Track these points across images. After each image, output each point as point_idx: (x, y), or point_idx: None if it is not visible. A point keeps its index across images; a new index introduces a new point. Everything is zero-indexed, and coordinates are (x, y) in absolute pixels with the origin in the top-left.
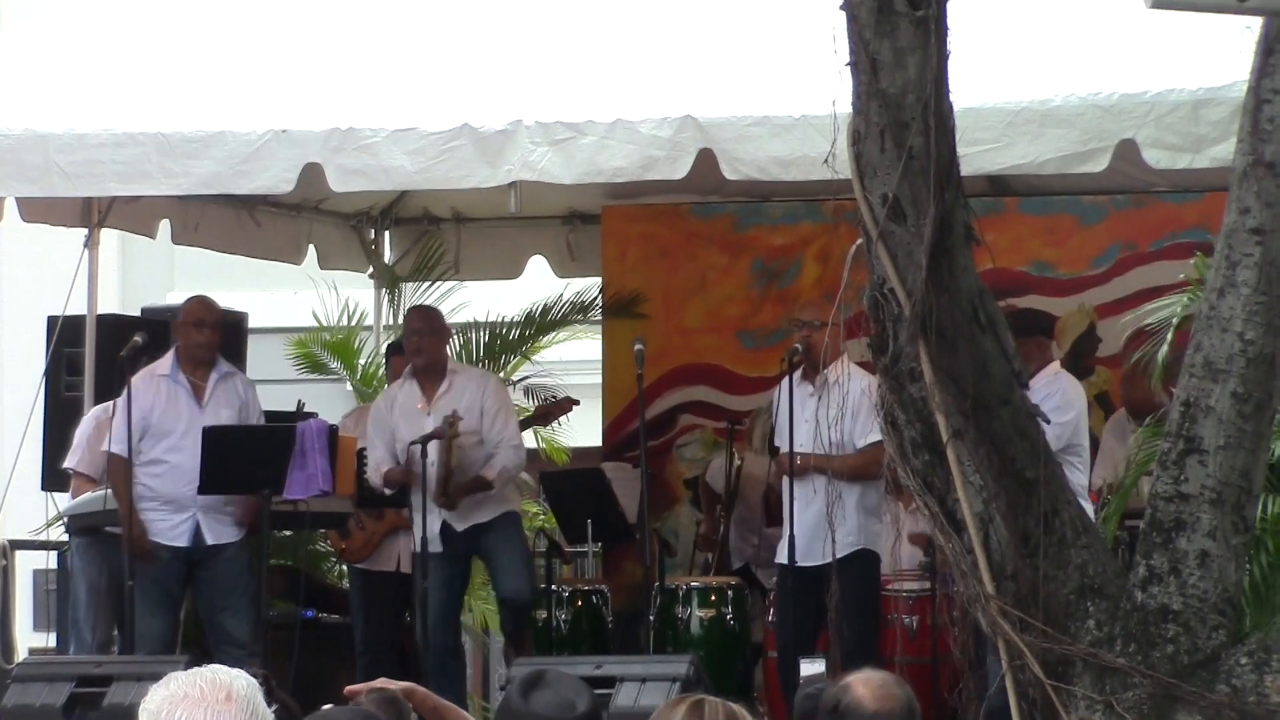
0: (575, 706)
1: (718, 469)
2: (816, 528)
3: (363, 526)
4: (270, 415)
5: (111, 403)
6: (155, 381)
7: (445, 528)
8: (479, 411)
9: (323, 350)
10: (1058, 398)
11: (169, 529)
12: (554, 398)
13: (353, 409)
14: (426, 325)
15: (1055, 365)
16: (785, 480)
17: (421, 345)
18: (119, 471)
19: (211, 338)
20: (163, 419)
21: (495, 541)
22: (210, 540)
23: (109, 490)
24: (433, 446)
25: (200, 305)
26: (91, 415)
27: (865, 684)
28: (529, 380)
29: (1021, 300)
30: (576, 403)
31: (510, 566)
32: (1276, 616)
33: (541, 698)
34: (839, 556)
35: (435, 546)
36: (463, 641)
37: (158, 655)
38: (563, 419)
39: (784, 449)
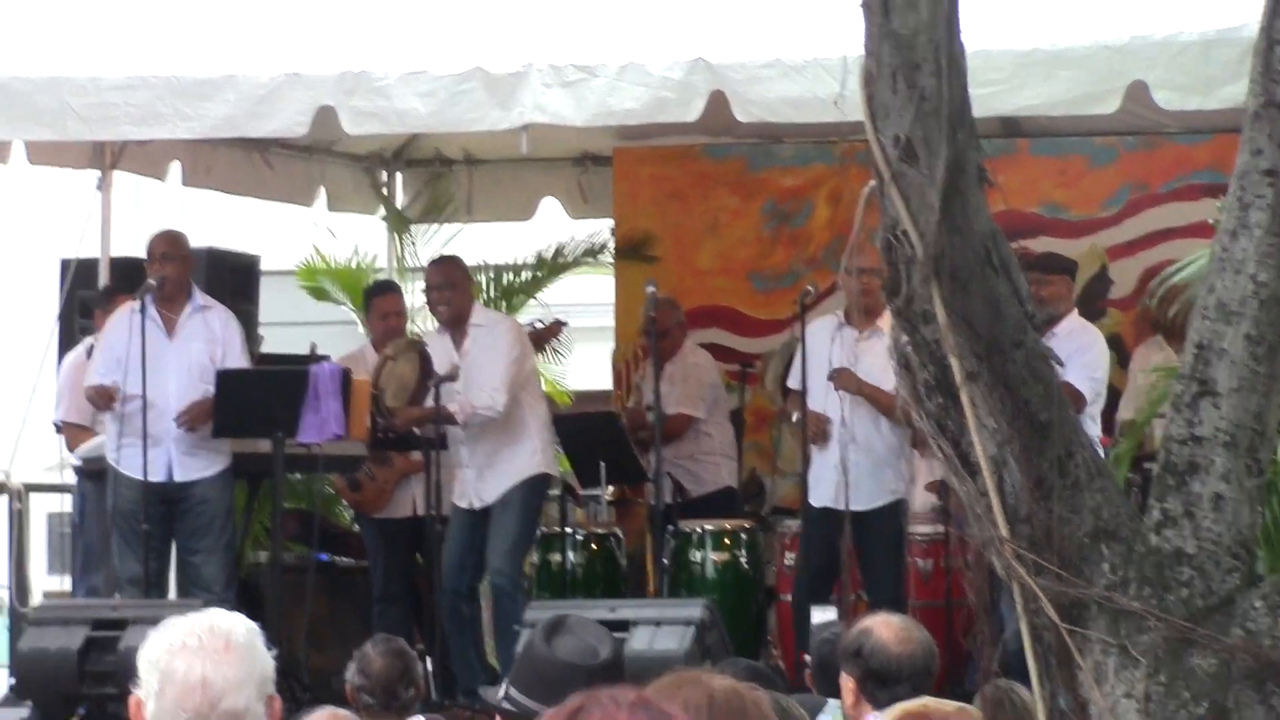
0: (598, 653)
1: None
2: (862, 473)
3: (373, 478)
4: (283, 358)
5: (83, 346)
6: (128, 316)
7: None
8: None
9: (332, 284)
10: (1094, 351)
11: (143, 465)
12: (540, 323)
13: (349, 352)
14: (444, 279)
15: (1075, 312)
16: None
17: (441, 300)
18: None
19: (174, 271)
20: (133, 353)
21: (494, 516)
22: (178, 477)
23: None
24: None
25: (160, 240)
26: (68, 363)
27: (886, 627)
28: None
29: (1033, 242)
30: (565, 324)
31: (494, 550)
32: None
33: (564, 643)
34: (887, 503)
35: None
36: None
37: (172, 600)
38: (555, 342)
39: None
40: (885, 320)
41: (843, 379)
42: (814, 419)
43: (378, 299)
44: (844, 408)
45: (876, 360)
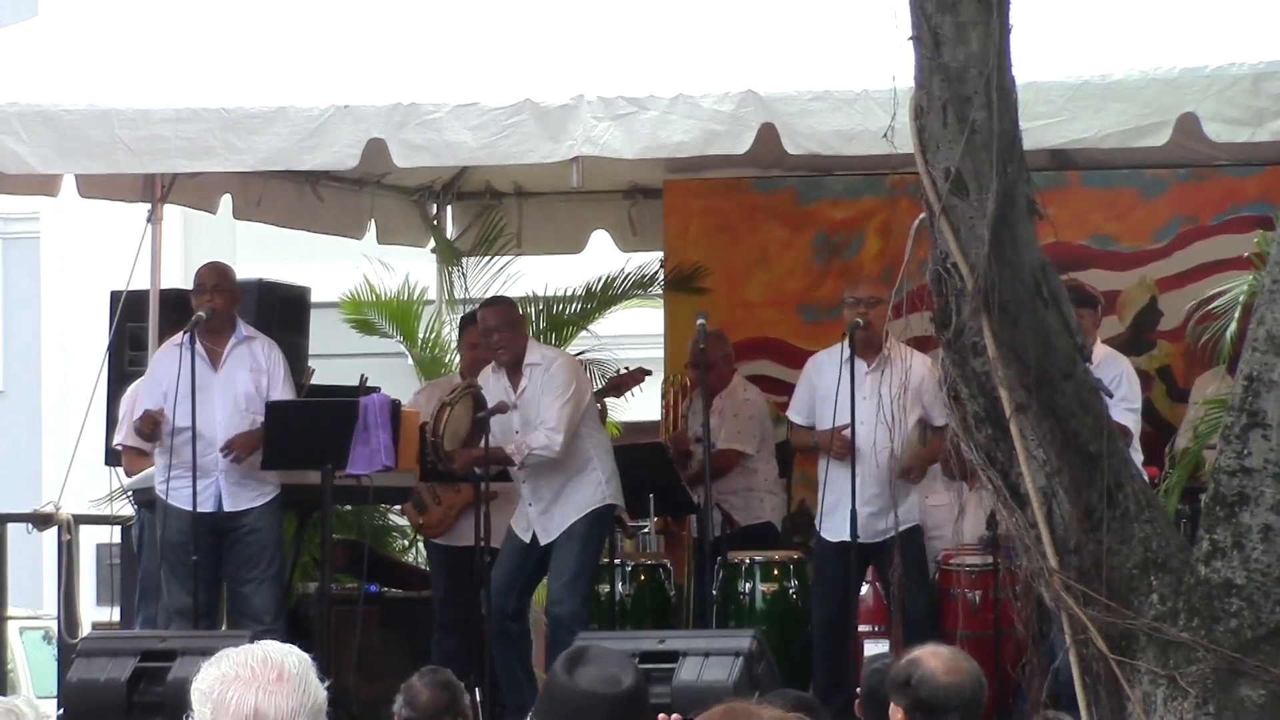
0: (620, 681)
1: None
2: (875, 505)
3: (439, 501)
4: (333, 390)
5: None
6: (174, 350)
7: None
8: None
9: (380, 316)
10: (1125, 383)
11: (192, 496)
12: (626, 368)
13: (425, 385)
14: (501, 321)
15: (1099, 341)
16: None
17: (501, 342)
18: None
19: (222, 303)
20: (180, 385)
21: (557, 547)
22: (229, 507)
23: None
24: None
25: (209, 272)
26: (132, 389)
27: (935, 657)
28: (588, 354)
29: (1083, 274)
30: (649, 373)
31: (555, 580)
32: None
33: (586, 673)
34: (904, 530)
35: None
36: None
37: (220, 631)
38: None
39: (832, 424)
40: (892, 350)
41: (912, 475)
42: (831, 436)
43: (469, 328)
44: (894, 436)
45: (910, 393)
